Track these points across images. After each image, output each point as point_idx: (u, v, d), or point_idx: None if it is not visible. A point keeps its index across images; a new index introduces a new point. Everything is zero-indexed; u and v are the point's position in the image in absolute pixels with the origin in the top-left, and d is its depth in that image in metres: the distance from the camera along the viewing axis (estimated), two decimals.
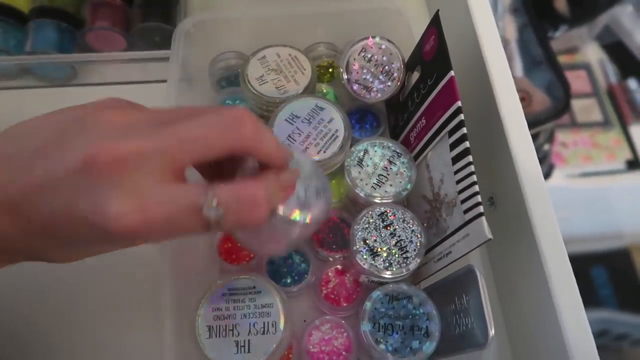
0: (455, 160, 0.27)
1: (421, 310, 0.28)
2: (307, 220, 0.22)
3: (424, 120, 0.31)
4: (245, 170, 0.22)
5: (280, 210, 0.21)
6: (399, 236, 0.30)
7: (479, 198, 0.25)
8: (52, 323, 0.33)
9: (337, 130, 0.31)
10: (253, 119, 0.20)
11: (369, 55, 0.35)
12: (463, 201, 0.27)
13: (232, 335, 0.26)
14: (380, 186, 0.31)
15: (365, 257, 0.29)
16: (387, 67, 0.35)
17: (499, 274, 0.35)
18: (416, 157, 0.33)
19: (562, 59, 0.61)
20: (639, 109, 0.62)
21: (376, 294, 0.29)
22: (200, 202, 0.18)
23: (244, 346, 0.26)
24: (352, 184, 0.31)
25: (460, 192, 0.27)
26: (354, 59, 0.35)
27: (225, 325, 0.26)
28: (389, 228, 0.30)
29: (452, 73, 0.28)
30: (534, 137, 0.31)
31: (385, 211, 0.30)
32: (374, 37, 0.34)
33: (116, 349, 0.32)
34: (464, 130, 0.27)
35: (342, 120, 0.32)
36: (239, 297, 0.27)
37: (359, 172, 0.32)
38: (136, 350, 0.31)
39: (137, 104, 0.21)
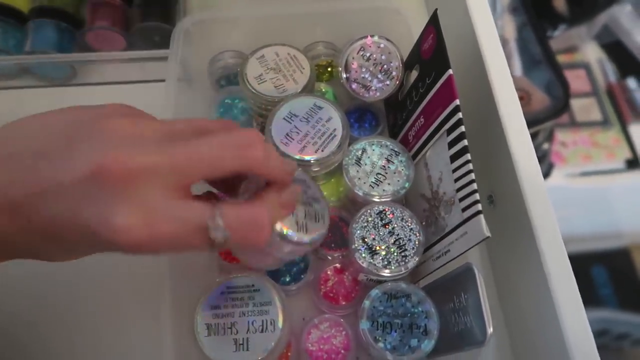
0: (453, 158, 0.28)
1: (420, 309, 0.28)
2: (305, 239, 0.23)
3: (422, 119, 0.31)
4: (250, 182, 0.23)
5: (278, 227, 0.22)
6: (398, 235, 0.30)
7: (477, 196, 0.25)
8: (52, 321, 0.33)
9: (335, 130, 0.31)
10: (262, 141, 0.20)
11: (368, 54, 0.35)
12: (461, 199, 0.27)
13: (231, 334, 0.26)
14: (378, 185, 0.31)
15: (364, 255, 0.29)
16: (385, 66, 0.35)
17: (499, 272, 0.35)
18: (415, 156, 0.33)
19: (561, 59, 0.61)
20: (638, 108, 0.62)
21: (375, 292, 0.29)
22: (207, 222, 0.18)
23: (243, 344, 0.26)
24: (350, 182, 0.31)
25: (458, 190, 0.27)
26: (353, 58, 0.35)
27: (224, 324, 0.26)
28: (387, 226, 0.30)
29: (450, 71, 0.28)
30: (533, 136, 0.32)
31: (384, 210, 0.30)
32: (372, 36, 0.35)
33: (115, 347, 0.32)
34: (462, 128, 0.27)
35: (341, 119, 0.32)
36: (237, 296, 0.27)
37: (357, 171, 0.32)
38: (135, 349, 0.31)
39: (145, 113, 0.21)
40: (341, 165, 0.32)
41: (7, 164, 0.18)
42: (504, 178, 0.31)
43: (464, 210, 0.26)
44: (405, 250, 0.29)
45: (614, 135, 0.61)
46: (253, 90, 0.33)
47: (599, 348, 0.26)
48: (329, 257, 0.33)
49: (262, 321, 0.26)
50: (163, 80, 0.34)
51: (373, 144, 0.33)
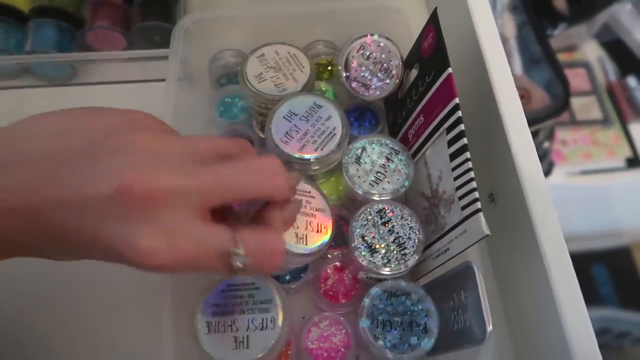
0: (453, 156, 0.28)
1: (420, 307, 0.28)
2: (304, 251, 0.25)
3: (422, 118, 0.31)
4: (252, 204, 0.24)
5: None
6: (397, 233, 0.30)
7: (476, 194, 0.25)
8: (51, 319, 0.33)
9: (334, 128, 0.31)
10: (284, 170, 0.21)
11: (368, 53, 0.35)
12: (461, 197, 0.27)
13: (231, 331, 0.26)
14: (378, 183, 0.31)
15: (363, 253, 0.29)
16: (385, 65, 0.35)
17: (499, 270, 0.35)
18: (414, 155, 0.33)
19: (561, 57, 0.61)
20: (638, 106, 0.62)
21: (375, 290, 0.29)
22: (228, 248, 0.19)
23: (243, 342, 0.26)
24: (350, 181, 0.31)
25: (458, 188, 0.27)
26: (353, 57, 0.35)
27: (224, 321, 0.26)
28: (387, 225, 0.30)
29: (450, 70, 0.28)
30: (534, 134, 0.32)
31: (384, 208, 0.30)
32: (372, 35, 0.35)
33: (116, 345, 0.32)
34: (462, 127, 0.27)
35: (340, 118, 0.32)
36: (237, 294, 0.27)
37: (357, 170, 0.32)
38: (136, 346, 0.31)
39: (165, 125, 0.21)
40: (341, 164, 0.32)
41: (28, 166, 0.18)
42: (504, 176, 0.31)
43: (463, 208, 0.26)
44: (405, 248, 0.29)
45: (614, 133, 0.61)
46: (253, 89, 0.33)
47: (599, 347, 0.26)
48: (329, 256, 0.33)
49: (262, 319, 0.26)
50: (163, 80, 0.34)
51: (373, 143, 0.33)
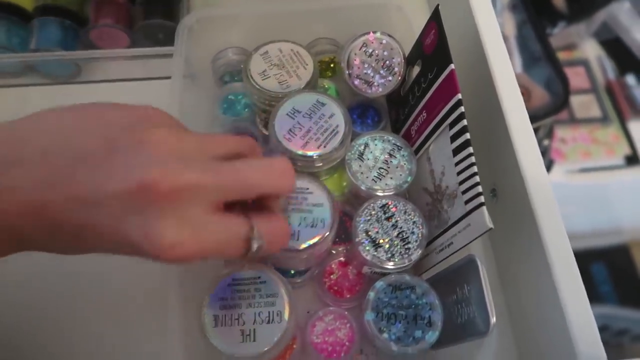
0: (456, 152, 0.28)
1: (424, 300, 0.29)
2: (298, 247, 0.27)
3: (424, 114, 0.32)
4: None
5: None
6: (401, 228, 0.30)
7: (479, 188, 0.26)
8: (58, 315, 0.33)
9: (337, 126, 0.32)
10: (293, 170, 0.23)
11: (370, 50, 0.35)
12: (464, 192, 0.27)
13: (238, 325, 0.26)
14: (380, 179, 0.32)
15: (367, 248, 0.29)
16: (388, 62, 0.35)
17: (502, 265, 0.36)
18: (417, 151, 0.33)
19: (561, 56, 0.62)
20: (637, 104, 0.62)
21: (379, 284, 0.29)
22: (249, 234, 0.20)
23: (250, 335, 0.26)
24: (353, 177, 0.32)
25: (461, 183, 0.27)
26: (355, 54, 0.35)
27: (231, 315, 0.26)
28: (390, 220, 0.30)
29: (452, 66, 0.28)
30: (534, 132, 0.32)
31: (387, 203, 0.31)
32: (374, 32, 0.35)
33: (124, 339, 0.33)
34: (465, 122, 0.27)
35: (343, 115, 0.32)
36: (244, 287, 0.27)
37: (360, 166, 0.32)
38: (144, 340, 0.31)
39: (179, 122, 0.22)
40: (344, 161, 0.32)
41: (45, 162, 0.18)
42: (506, 171, 0.32)
43: (466, 202, 0.27)
44: (409, 243, 0.30)
45: (614, 131, 0.62)
46: (257, 86, 0.33)
47: None
48: (333, 251, 0.34)
49: (269, 312, 0.27)
50: (166, 77, 0.34)
51: (375, 139, 0.33)
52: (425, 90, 0.31)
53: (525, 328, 0.32)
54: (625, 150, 0.62)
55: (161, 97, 0.33)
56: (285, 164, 0.23)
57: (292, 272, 0.33)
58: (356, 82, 0.35)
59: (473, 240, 0.26)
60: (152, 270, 0.29)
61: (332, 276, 0.33)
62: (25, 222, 0.18)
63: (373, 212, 0.30)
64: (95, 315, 0.33)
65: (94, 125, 0.19)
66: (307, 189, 0.29)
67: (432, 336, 0.28)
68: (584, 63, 0.64)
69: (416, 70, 0.34)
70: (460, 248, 0.27)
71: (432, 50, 0.31)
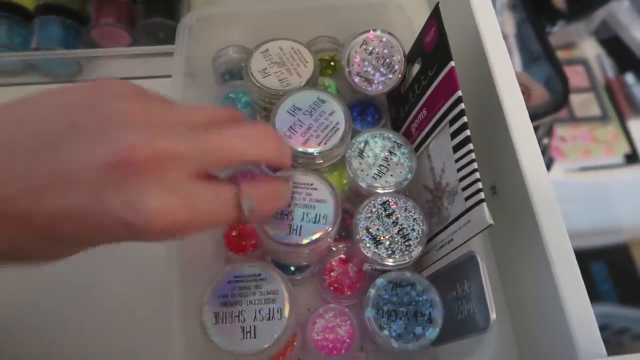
0: (456, 148, 0.28)
1: (424, 297, 0.29)
2: (300, 241, 0.27)
3: (424, 111, 0.32)
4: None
5: (269, 230, 0.27)
6: (401, 225, 0.30)
7: (480, 185, 0.26)
8: (58, 310, 0.33)
9: (337, 123, 0.32)
10: (279, 136, 0.23)
11: (370, 48, 0.35)
12: (464, 189, 0.27)
13: (238, 322, 0.26)
14: (381, 176, 0.32)
15: (368, 245, 0.29)
16: (388, 60, 0.35)
17: (502, 262, 0.36)
18: (417, 148, 0.33)
19: (560, 55, 0.62)
20: (636, 103, 0.62)
21: (380, 281, 0.29)
22: (237, 196, 0.20)
23: (250, 332, 0.26)
24: (353, 175, 0.32)
25: (461, 179, 0.27)
26: (356, 52, 0.35)
27: (232, 312, 0.26)
28: (391, 217, 0.30)
29: (452, 63, 0.28)
30: (533, 130, 0.32)
31: (388, 200, 0.31)
32: (375, 30, 0.35)
33: (124, 336, 0.33)
34: (465, 119, 0.27)
35: (343, 113, 0.32)
36: (244, 284, 0.27)
37: (360, 163, 0.32)
38: (144, 337, 0.31)
39: (148, 92, 0.20)
40: (344, 158, 0.32)
41: (6, 154, 0.16)
42: (506, 169, 0.32)
43: (466, 199, 0.27)
44: (409, 239, 0.30)
45: (613, 130, 0.62)
46: (257, 84, 0.33)
47: None
48: (334, 248, 0.34)
49: (269, 309, 0.27)
50: (167, 76, 0.34)
51: (375, 137, 0.33)
52: (426, 88, 0.31)
53: (525, 325, 0.32)
54: (625, 148, 0.62)
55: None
56: (269, 129, 0.22)
57: (293, 269, 0.33)
58: (356, 79, 0.35)
59: (473, 236, 0.26)
60: (153, 268, 0.29)
61: (332, 273, 0.33)
62: None
63: (374, 210, 0.31)
64: (96, 313, 0.33)
65: (55, 110, 0.17)
66: (312, 184, 0.29)
67: (432, 333, 0.28)
68: (584, 62, 0.64)
69: (416, 68, 0.34)
70: (461, 244, 0.27)
71: (432, 47, 0.31)
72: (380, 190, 0.31)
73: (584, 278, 0.27)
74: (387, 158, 0.32)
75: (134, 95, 0.19)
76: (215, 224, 0.20)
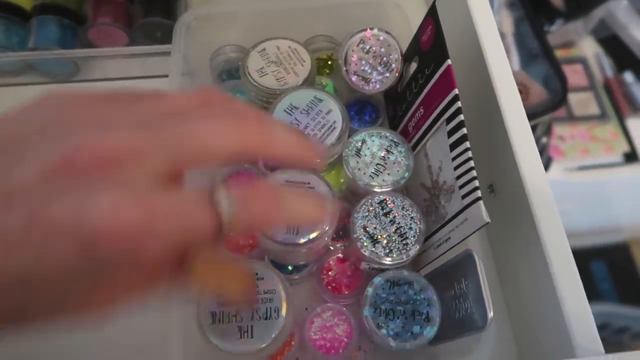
0: (453, 146, 0.28)
1: (422, 296, 0.29)
2: (297, 240, 0.26)
3: (422, 110, 0.32)
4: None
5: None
6: (399, 223, 0.30)
7: (476, 183, 0.26)
8: None
9: (335, 122, 0.32)
10: (262, 114, 0.17)
11: (367, 47, 0.35)
12: (461, 187, 0.27)
13: (235, 321, 0.26)
14: (378, 175, 0.32)
15: (365, 244, 0.29)
16: (385, 59, 0.35)
17: (500, 261, 0.36)
18: (415, 146, 0.33)
19: (559, 54, 0.62)
20: (635, 102, 0.62)
21: (377, 279, 0.29)
22: (212, 192, 0.15)
23: (247, 332, 0.26)
24: (350, 173, 0.32)
25: (458, 177, 0.27)
26: (353, 51, 0.35)
27: (229, 312, 0.26)
28: (388, 216, 0.30)
29: (449, 61, 0.28)
30: (532, 129, 0.32)
31: (385, 199, 0.31)
32: (372, 29, 0.35)
33: (121, 335, 0.32)
34: (462, 117, 0.27)
35: (340, 112, 0.32)
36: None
37: (357, 162, 0.32)
38: (141, 337, 0.31)
39: (81, 91, 0.16)
40: (341, 157, 0.32)
41: None
42: (504, 168, 0.32)
43: (463, 197, 0.27)
44: (407, 238, 0.30)
45: (612, 129, 0.62)
46: (254, 83, 0.33)
47: None
48: (331, 248, 0.34)
49: (266, 309, 0.27)
50: (165, 76, 0.34)
51: (372, 135, 0.33)
52: (423, 86, 0.31)
53: (523, 323, 0.32)
54: (624, 147, 0.62)
55: None
56: (249, 108, 0.17)
57: (290, 268, 0.33)
58: (354, 78, 0.35)
59: (470, 234, 0.26)
60: None
61: (330, 272, 0.33)
62: None
63: (371, 208, 0.31)
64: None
65: None
66: (309, 183, 0.29)
67: (430, 332, 0.28)
68: (582, 60, 0.64)
69: (413, 66, 0.34)
70: (458, 243, 0.27)
71: (429, 46, 0.31)
72: (377, 189, 0.31)
73: (583, 277, 0.27)
74: (384, 157, 0.32)
75: (71, 100, 0.16)
76: (184, 231, 0.15)
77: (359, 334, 0.31)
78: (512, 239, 0.33)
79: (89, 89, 0.17)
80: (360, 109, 0.38)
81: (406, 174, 0.32)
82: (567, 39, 0.64)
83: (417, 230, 0.30)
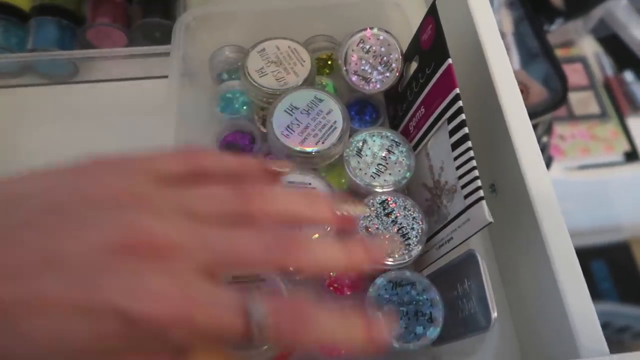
0: (454, 146, 0.28)
1: (425, 297, 0.28)
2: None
3: (422, 109, 0.32)
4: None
5: None
6: (401, 224, 0.30)
7: (479, 182, 0.25)
8: None
9: (335, 122, 0.32)
10: (307, 239, 0.18)
11: (368, 47, 0.35)
12: (463, 186, 0.27)
13: None
14: (379, 175, 0.32)
15: None
16: (385, 58, 0.35)
17: (502, 260, 0.36)
18: (416, 146, 0.33)
19: (559, 53, 0.62)
20: (635, 101, 0.62)
21: (380, 280, 0.29)
22: (247, 302, 0.16)
23: None
24: (351, 174, 0.32)
25: (460, 177, 0.27)
26: (353, 51, 0.35)
27: None
28: (390, 216, 0.30)
29: (449, 61, 0.28)
30: (532, 129, 0.32)
31: (387, 199, 0.31)
32: (372, 29, 0.35)
33: None
34: (463, 116, 0.27)
35: (341, 112, 0.32)
36: (244, 285, 0.27)
37: (358, 162, 0.32)
38: None
39: (139, 163, 0.18)
40: (342, 157, 0.32)
41: None
42: (505, 167, 0.32)
43: (466, 197, 0.26)
44: (409, 238, 0.29)
45: (612, 128, 0.62)
46: (254, 83, 0.33)
47: None
48: None
49: None
50: (164, 76, 0.34)
51: (373, 135, 0.33)
52: (423, 86, 0.31)
53: (527, 323, 0.32)
54: (625, 146, 0.61)
55: (159, 96, 0.33)
56: (293, 234, 0.18)
57: (292, 269, 0.32)
58: (354, 78, 0.35)
59: (473, 234, 0.26)
60: None
61: (332, 273, 0.33)
62: None
63: (372, 209, 0.30)
64: None
65: (40, 190, 0.16)
66: (310, 184, 0.29)
67: (433, 332, 0.27)
68: (582, 60, 0.64)
69: (414, 66, 0.33)
70: (460, 243, 0.27)
71: (430, 45, 0.31)
72: (379, 189, 0.31)
73: (584, 276, 0.27)
74: (385, 157, 0.32)
75: (124, 174, 0.17)
76: (215, 329, 0.16)
77: None
78: (514, 239, 0.33)
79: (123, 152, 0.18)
80: (361, 109, 0.38)
81: (407, 174, 0.32)
82: (567, 38, 0.64)
83: (419, 231, 0.30)
